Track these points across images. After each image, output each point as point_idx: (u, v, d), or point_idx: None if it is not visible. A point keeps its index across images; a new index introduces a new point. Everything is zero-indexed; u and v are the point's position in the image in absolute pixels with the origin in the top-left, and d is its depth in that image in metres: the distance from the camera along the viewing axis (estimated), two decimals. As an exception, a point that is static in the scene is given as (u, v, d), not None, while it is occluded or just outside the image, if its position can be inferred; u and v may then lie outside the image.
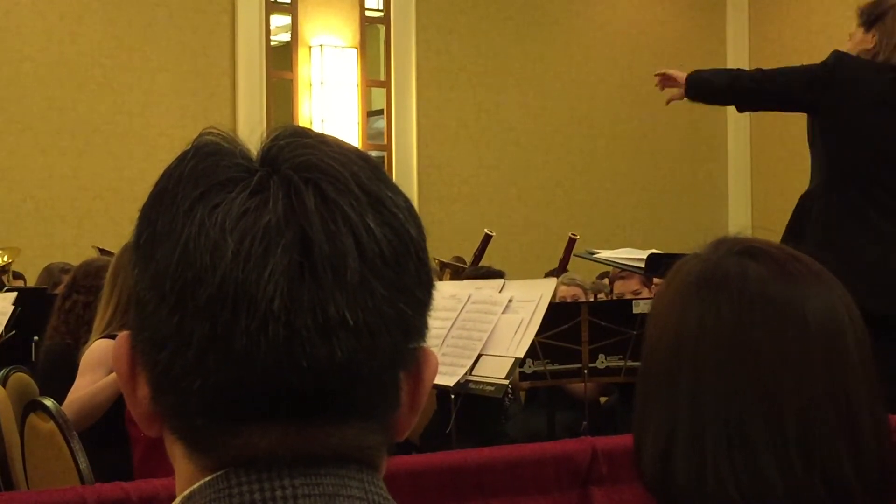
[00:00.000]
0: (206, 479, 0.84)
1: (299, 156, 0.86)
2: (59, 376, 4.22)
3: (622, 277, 5.87)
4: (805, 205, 4.16)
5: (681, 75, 4.44)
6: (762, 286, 1.20)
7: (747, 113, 12.18)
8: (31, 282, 7.89)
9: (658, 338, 1.24)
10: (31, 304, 5.23)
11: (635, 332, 4.57)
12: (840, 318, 1.21)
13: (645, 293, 5.61)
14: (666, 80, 4.52)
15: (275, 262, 0.81)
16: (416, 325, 0.87)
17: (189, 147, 0.89)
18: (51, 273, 7.04)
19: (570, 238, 7.72)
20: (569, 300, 5.69)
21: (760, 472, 1.16)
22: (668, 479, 1.19)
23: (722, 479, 1.16)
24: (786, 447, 1.16)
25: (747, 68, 13.33)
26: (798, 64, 4.30)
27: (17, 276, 8.43)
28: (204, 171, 0.86)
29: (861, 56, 4.18)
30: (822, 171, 4.13)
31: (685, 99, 4.45)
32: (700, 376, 1.19)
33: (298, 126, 0.91)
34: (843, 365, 1.20)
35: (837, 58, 4.17)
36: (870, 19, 4.17)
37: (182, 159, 0.88)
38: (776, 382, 1.17)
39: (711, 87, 4.38)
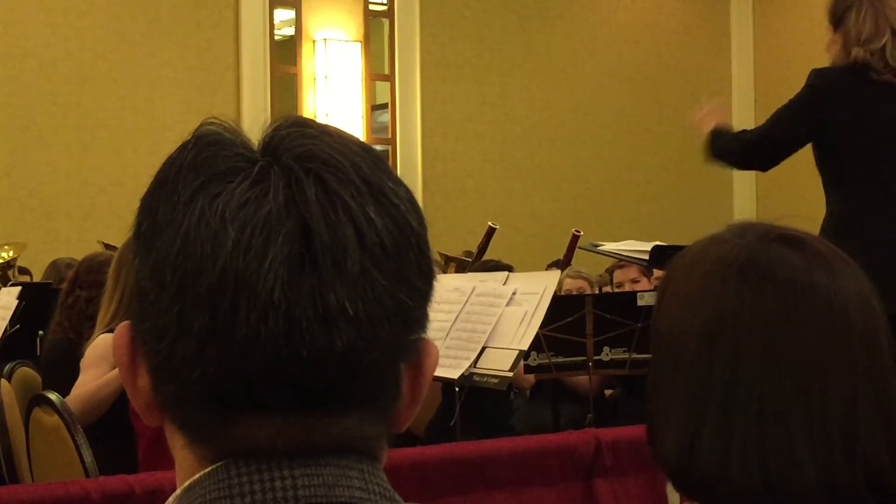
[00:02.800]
0: (207, 470, 0.84)
1: (300, 146, 0.86)
2: (62, 371, 4.23)
3: (620, 266, 5.89)
4: (832, 225, 4.07)
5: (708, 122, 4.43)
6: (808, 275, 1.20)
7: (751, 105, 12.23)
8: (38, 277, 7.90)
9: (685, 321, 1.23)
10: (35, 298, 5.24)
11: (640, 325, 4.57)
12: (874, 308, 1.23)
13: (644, 282, 5.62)
14: (698, 120, 4.51)
15: (275, 252, 0.81)
16: (416, 316, 0.87)
17: (190, 137, 0.89)
18: (57, 268, 7.05)
19: (573, 234, 7.72)
20: (575, 293, 5.69)
21: (794, 459, 1.16)
22: (692, 465, 1.18)
23: (747, 464, 1.16)
24: (828, 436, 1.16)
25: (751, 61, 13.29)
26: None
27: (24, 271, 8.44)
28: (205, 161, 0.86)
29: (835, 58, 4.15)
30: (838, 188, 4.08)
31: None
32: (737, 362, 1.18)
33: (300, 116, 0.91)
34: (880, 355, 1.21)
35: (817, 75, 4.13)
36: (835, 19, 4.13)
37: (183, 149, 0.88)
38: (821, 372, 1.17)
39: (728, 155, 4.37)
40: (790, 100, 4.19)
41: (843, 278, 1.21)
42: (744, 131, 4.40)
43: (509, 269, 5.26)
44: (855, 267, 1.24)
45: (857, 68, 4.05)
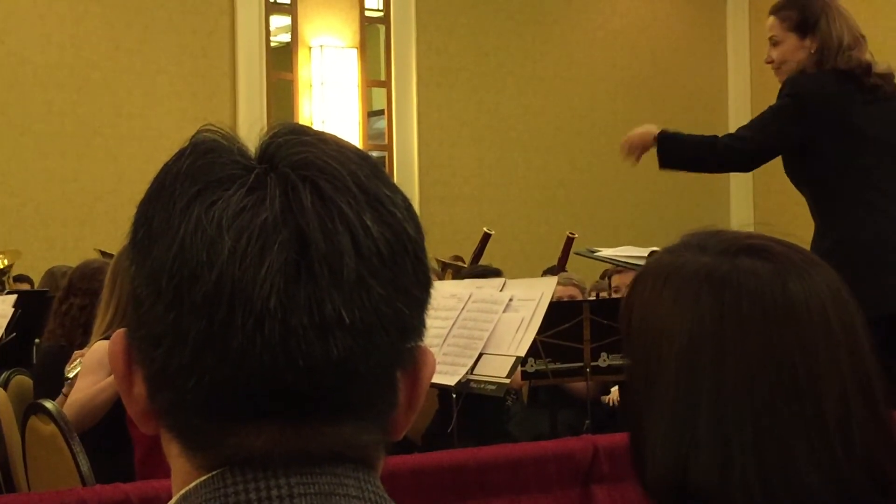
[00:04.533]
0: (202, 478, 0.84)
1: (297, 153, 0.85)
2: (53, 378, 4.22)
3: (619, 271, 5.92)
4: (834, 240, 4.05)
5: (644, 136, 4.42)
6: (781, 285, 1.19)
7: (747, 110, 12.23)
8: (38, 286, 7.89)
9: (664, 339, 1.22)
10: (32, 307, 5.23)
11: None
12: (849, 303, 1.22)
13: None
14: (633, 148, 4.52)
15: (271, 260, 0.80)
16: (413, 324, 0.87)
17: (187, 144, 0.89)
18: (53, 276, 7.04)
19: (567, 237, 7.72)
20: (565, 300, 5.68)
21: (796, 467, 1.15)
22: (686, 484, 1.17)
23: (748, 480, 1.15)
24: (827, 439, 1.16)
25: (748, 65, 13.29)
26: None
27: (24, 279, 8.42)
28: (201, 169, 0.85)
29: (802, 64, 4.13)
30: (826, 199, 4.08)
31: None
32: (723, 378, 1.18)
33: (297, 124, 0.91)
34: (861, 349, 1.21)
35: (796, 85, 4.10)
36: (803, 26, 4.10)
37: (179, 156, 0.88)
38: (811, 376, 1.17)
39: (693, 161, 4.35)
40: (772, 107, 4.17)
41: (815, 280, 1.21)
42: (711, 137, 4.34)
43: (498, 273, 5.27)
44: (823, 265, 1.24)
45: (842, 74, 4.05)
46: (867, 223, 4.00)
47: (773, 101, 4.25)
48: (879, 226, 3.99)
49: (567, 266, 7.49)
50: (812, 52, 4.10)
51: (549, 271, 7.54)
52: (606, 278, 7.12)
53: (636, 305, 1.27)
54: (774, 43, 4.21)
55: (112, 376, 3.74)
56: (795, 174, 4.20)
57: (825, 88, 4.06)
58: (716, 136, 4.33)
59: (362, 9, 11.21)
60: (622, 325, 1.28)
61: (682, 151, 4.34)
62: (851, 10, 4.20)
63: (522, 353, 3.80)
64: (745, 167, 4.39)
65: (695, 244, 1.26)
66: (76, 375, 4.01)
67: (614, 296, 6.12)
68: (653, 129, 4.39)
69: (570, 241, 7.65)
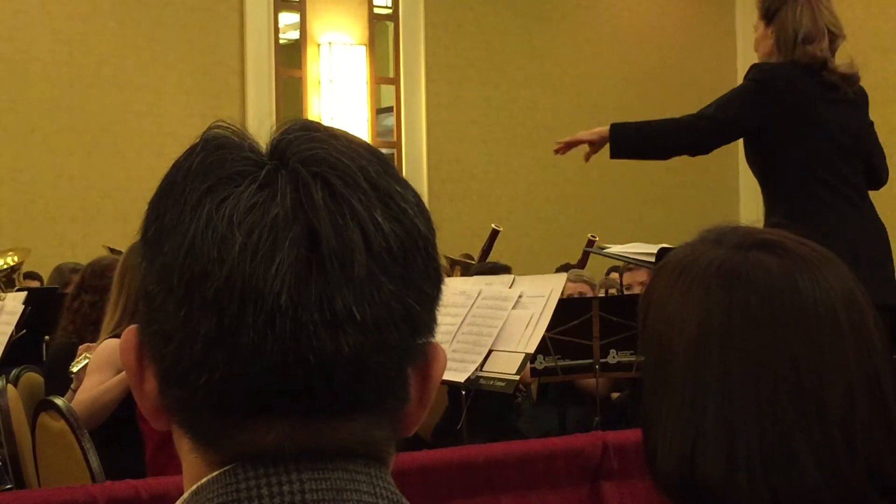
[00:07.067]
0: (214, 474, 0.84)
1: (308, 150, 0.85)
2: (64, 375, 4.23)
3: (630, 269, 5.92)
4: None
5: (593, 134, 4.41)
6: (790, 280, 1.19)
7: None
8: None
9: (674, 332, 1.22)
10: (41, 303, 5.24)
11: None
12: (860, 301, 1.22)
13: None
14: (569, 146, 4.52)
15: (282, 256, 0.80)
16: (423, 319, 0.87)
17: (198, 140, 0.89)
18: (61, 273, 7.06)
19: (588, 240, 7.72)
20: (575, 296, 5.69)
21: (797, 463, 1.15)
22: (694, 479, 1.17)
23: (755, 477, 1.15)
24: (828, 437, 1.15)
25: (757, 61, 13.27)
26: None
27: (34, 276, 8.43)
28: (212, 165, 0.85)
29: (766, 54, 4.10)
30: (787, 185, 4.07)
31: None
32: (730, 373, 1.17)
33: (308, 120, 0.91)
34: (871, 349, 1.20)
35: (762, 71, 4.08)
36: (768, 13, 4.08)
37: (190, 153, 0.88)
38: (815, 374, 1.17)
39: (647, 143, 4.32)
40: (733, 90, 4.17)
41: (827, 277, 1.20)
42: (673, 119, 4.30)
43: (507, 270, 5.28)
44: (838, 262, 1.23)
45: (801, 65, 4.01)
46: (810, 211, 3.98)
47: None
48: (822, 216, 3.97)
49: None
50: (773, 41, 4.08)
51: (563, 269, 7.54)
52: (616, 274, 7.12)
53: (653, 299, 1.27)
54: (755, 30, 4.22)
55: (119, 375, 3.77)
56: (751, 157, 4.19)
57: (788, 78, 4.04)
58: (673, 119, 4.30)
59: (371, 6, 11.21)
60: (639, 320, 1.28)
61: (636, 133, 4.31)
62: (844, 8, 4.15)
63: (532, 350, 3.80)
64: (704, 145, 4.30)
65: (712, 238, 1.26)
66: (80, 370, 4.01)
67: (626, 293, 6.13)
68: (603, 129, 4.40)
69: (590, 244, 7.66)
